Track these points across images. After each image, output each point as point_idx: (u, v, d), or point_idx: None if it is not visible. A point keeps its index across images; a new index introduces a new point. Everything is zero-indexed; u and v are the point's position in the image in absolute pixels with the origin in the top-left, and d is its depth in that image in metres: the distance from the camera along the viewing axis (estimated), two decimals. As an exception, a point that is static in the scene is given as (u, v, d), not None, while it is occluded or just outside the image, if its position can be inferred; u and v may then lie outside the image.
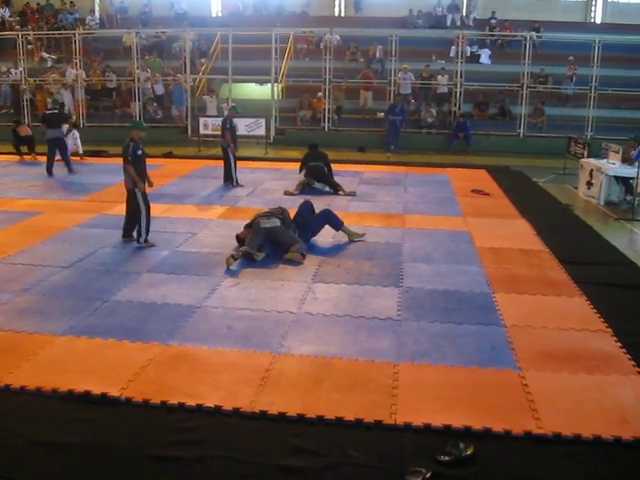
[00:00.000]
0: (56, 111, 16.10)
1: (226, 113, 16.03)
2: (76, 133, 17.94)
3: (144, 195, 9.34)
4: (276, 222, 8.94)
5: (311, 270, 8.35)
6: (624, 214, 11.95)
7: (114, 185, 13.89)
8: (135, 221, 9.43)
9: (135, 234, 9.47)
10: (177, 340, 6.16)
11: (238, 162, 14.43)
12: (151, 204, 9.51)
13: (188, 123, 21.57)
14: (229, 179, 14.12)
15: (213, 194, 13.29)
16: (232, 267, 8.31)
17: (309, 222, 9.55)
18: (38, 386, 5.23)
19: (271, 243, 8.90)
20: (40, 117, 16.84)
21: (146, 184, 9.38)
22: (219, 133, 14.75)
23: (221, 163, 14.39)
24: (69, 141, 16.80)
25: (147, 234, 9.38)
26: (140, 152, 9.30)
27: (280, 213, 9.22)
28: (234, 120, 14.50)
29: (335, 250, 9.26)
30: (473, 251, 9.33)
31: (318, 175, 13.61)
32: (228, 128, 13.96)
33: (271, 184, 14.19)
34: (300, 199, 10.65)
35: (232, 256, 8.42)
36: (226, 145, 13.94)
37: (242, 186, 13.97)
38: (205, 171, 15.78)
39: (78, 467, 4.28)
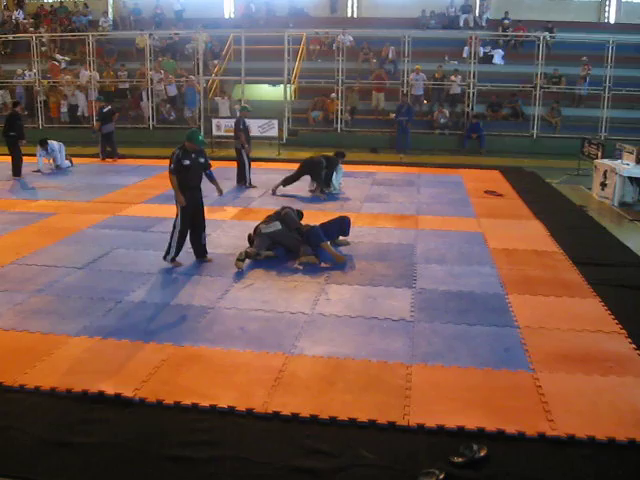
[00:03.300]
0: (110, 108, 18.50)
1: (238, 114, 16.05)
2: (56, 146, 16.58)
3: (184, 211, 8.32)
4: (277, 225, 8.94)
5: (324, 271, 8.35)
6: (638, 215, 11.86)
7: (127, 186, 14.01)
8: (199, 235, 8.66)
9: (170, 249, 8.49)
10: (190, 341, 6.18)
11: (251, 163, 14.42)
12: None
13: (201, 124, 21.60)
14: (242, 180, 14.13)
15: (226, 195, 13.16)
16: (241, 269, 8.30)
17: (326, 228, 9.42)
18: (52, 386, 5.27)
19: (279, 246, 8.91)
20: (98, 115, 18.76)
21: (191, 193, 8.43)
22: (232, 134, 14.77)
23: (234, 164, 14.41)
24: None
25: (176, 253, 8.43)
26: (188, 162, 8.22)
27: (280, 212, 9.19)
28: (246, 120, 14.47)
29: (348, 251, 9.23)
30: (486, 252, 9.30)
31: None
32: (242, 129, 13.97)
33: (284, 185, 14.17)
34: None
35: (237, 259, 8.37)
36: (240, 146, 13.96)
37: (255, 187, 13.99)
38: (218, 172, 15.42)
39: (92, 467, 4.30)
